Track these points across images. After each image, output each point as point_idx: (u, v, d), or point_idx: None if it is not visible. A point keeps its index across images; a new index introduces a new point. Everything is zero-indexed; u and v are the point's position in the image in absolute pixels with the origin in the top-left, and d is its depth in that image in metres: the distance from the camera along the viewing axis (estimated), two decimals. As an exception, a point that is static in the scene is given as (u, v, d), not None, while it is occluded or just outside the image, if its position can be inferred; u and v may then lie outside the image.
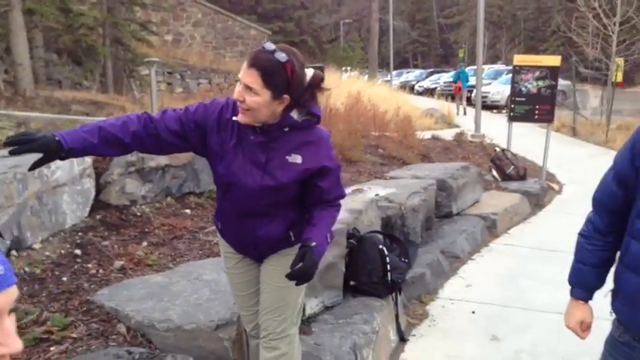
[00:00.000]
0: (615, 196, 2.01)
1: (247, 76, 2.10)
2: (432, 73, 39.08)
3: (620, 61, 17.84)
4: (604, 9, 17.59)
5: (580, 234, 2.18)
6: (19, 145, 2.02)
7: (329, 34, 46.69)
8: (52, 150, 2.07)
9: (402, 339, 4.23)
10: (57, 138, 2.09)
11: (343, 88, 15.14)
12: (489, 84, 24.29)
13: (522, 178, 9.60)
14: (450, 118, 18.56)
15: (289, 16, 37.41)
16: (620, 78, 18.38)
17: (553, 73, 10.04)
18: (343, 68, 30.91)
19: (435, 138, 11.98)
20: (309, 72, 2.20)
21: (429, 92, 30.31)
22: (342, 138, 8.07)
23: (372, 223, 4.88)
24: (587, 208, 2.21)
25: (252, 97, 2.11)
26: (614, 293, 2.06)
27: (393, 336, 4.19)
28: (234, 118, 2.25)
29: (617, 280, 2.04)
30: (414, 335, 4.35)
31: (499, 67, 30.69)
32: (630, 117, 18.49)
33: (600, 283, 2.17)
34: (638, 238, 1.90)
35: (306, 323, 3.72)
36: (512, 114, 10.27)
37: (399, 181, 6.92)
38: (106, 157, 2.21)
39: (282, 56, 2.08)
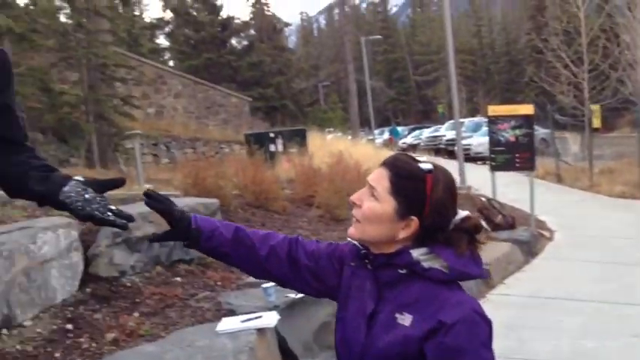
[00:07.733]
0: None
1: (374, 173, 1.67)
2: (413, 129, 39.85)
3: (596, 107, 18.14)
4: (572, 59, 18.02)
5: None
6: (158, 202, 1.77)
7: (309, 97, 47.40)
8: (184, 222, 1.78)
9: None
10: (188, 212, 1.83)
11: (327, 147, 15.31)
12: (470, 137, 24.69)
13: (512, 226, 9.61)
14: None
15: (268, 82, 37.81)
16: (598, 124, 18.63)
17: (528, 121, 10.28)
18: (327, 130, 31.33)
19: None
20: (462, 213, 1.68)
21: (413, 148, 30.77)
22: (328, 197, 8.10)
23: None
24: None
25: (371, 203, 1.64)
26: None
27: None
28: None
29: None
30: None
31: (479, 119, 31.18)
32: (612, 161, 18.74)
33: None
34: None
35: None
36: (493, 163, 10.43)
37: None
38: (225, 262, 1.94)
39: (425, 165, 1.65)
